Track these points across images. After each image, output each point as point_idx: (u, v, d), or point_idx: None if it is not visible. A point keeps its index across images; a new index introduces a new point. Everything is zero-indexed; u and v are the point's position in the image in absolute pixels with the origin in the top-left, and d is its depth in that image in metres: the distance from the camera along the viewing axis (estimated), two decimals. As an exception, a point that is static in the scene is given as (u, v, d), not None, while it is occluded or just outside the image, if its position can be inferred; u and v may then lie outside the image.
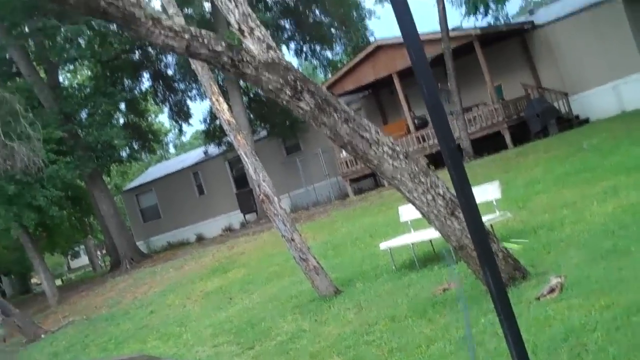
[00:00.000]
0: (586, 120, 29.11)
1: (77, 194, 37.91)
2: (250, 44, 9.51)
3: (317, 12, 42.12)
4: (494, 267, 4.77)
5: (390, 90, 33.46)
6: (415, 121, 31.75)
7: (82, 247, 69.85)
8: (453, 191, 9.28)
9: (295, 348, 10.55)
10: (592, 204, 12.57)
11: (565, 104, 29.53)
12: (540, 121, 27.75)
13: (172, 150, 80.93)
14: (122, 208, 48.61)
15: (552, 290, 8.41)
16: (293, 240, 13.21)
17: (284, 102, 8.95)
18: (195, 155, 47.78)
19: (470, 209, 4.76)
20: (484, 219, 11.81)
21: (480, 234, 4.73)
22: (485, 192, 12.38)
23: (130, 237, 37.56)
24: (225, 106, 13.79)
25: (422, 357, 7.94)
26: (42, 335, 23.24)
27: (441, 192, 9.08)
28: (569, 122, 28.73)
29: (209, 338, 13.82)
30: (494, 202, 12.25)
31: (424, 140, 30.20)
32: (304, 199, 35.93)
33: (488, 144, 28.21)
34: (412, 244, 12.74)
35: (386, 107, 35.70)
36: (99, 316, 22.70)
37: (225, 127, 13.82)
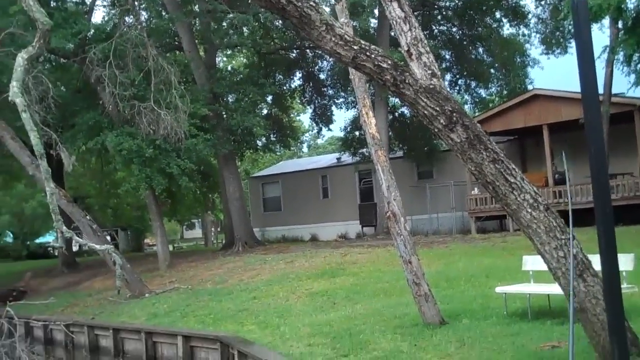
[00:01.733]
0: None
1: (207, 170, 38.83)
2: (415, 67, 9.56)
3: (480, 50, 41.83)
4: (623, 340, 4.67)
5: (536, 141, 32.87)
6: (556, 176, 31.06)
7: (199, 220, 71.62)
8: (585, 253, 9.13)
9: (390, 367, 10.55)
10: None
11: None
12: (686, 205, 26.70)
13: (305, 149, 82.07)
14: (246, 193, 49.59)
15: (665, 374, 8.12)
16: (410, 262, 13.18)
17: (436, 130, 8.96)
18: (327, 159, 48.33)
19: (612, 278, 4.70)
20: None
21: (616, 304, 4.65)
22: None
23: (248, 222, 38.24)
24: (373, 120, 13.90)
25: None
26: (146, 294, 24.02)
27: (574, 252, 8.89)
28: None
29: (305, 336, 13.96)
30: (624, 274, 11.88)
31: (560, 196, 29.51)
32: (425, 225, 35.72)
33: (626, 215, 27.27)
34: (530, 294, 12.53)
35: (528, 156, 35.09)
36: (204, 289, 23.24)
37: (369, 140, 13.92)
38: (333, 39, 8.62)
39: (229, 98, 36.89)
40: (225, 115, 34.98)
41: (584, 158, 25.03)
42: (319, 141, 79.41)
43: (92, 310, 24.00)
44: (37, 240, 60.73)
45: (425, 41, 9.97)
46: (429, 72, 9.38)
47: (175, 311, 20.50)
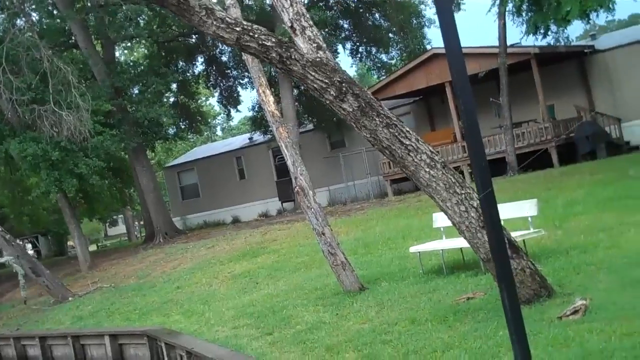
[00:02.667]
0: (637, 148, 28.81)
1: (119, 166, 38.35)
2: (300, 42, 9.64)
3: (376, 15, 41.99)
4: (511, 287, 4.84)
5: (441, 99, 33.43)
6: (463, 131, 31.63)
7: (121, 216, 70.81)
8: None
9: (313, 339, 10.67)
10: (629, 231, 12.43)
11: (617, 129, 29.27)
12: (589, 144, 27.50)
13: (219, 133, 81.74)
14: (162, 183, 49.16)
15: (575, 312, 8.39)
16: (323, 234, 13.32)
17: (328, 102, 9.09)
18: (240, 140, 48.26)
19: (494, 228, 4.85)
20: (517, 234, 11.88)
21: (501, 253, 4.80)
22: (522, 208, 12.43)
23: (166, 213, 37.96)
24: (271, 98, 13.94)
25: (436, 363, 7.99)
26: (70, 298, 23.69)
27: (475, 205, 9.12)
28: (619, 148, 28.43)
29: (230, 319, 14.02)
30: (530, 219, 12.24)
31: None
32: (342, 194, 36.08)
33: (534, 160, 28.06)
34: (442, 250, 12.79)
35: (435, 114, 35.69)
36: (127, 286, 23.06)
37: (269, 118, 14.00)
38: (215, 22, 8.63)
39: (133, 91, 36.37)
40: (130, 109, 34.52)
41: (488, 111, 25.62)
42: (232, 123, 79.20)
43: (17, 321, 23.56)
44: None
45: (308, 15, 10.04)
46: (314, 45, 9.48)
47: (100, 311, 20.29)
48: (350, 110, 8.96)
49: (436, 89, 31.87)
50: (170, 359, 14.51)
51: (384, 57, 42.98)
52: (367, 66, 43.72)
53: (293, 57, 8.82)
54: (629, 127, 29.39)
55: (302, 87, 40.49)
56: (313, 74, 8.86)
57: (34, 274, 24.42)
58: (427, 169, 9.09)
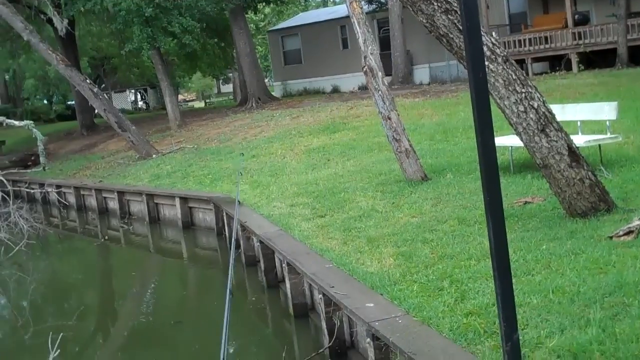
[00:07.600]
0: None
1: (219, 27, 37.78)
2: None
3: None
4: (499, 220, 4.16)
5: (557, -20, 31.47)
6: (576, 17, 29.83)
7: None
8: (549, 106, 8.60)
9: (359, 228, 10.34)
10: None
11: None
12: None
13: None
14: (266, 47, 48.55)
15: (629, 232, 7.68)
16: (389, 118, 12.71)
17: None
18: (345, 9, 46.92)
19: (486, 144, 4.15)
20: (593, 138, 11.03)
21: (493, 190, 4.09)
22: (601, 111, 11.52)
23: (261, 77, 37.46)
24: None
25: (466, 272, 7.49)
26: (153, 155, 23.95)
27: (535, 105, 8.38)
28: None
29: (290, 196, 13.84)
30: (608, 123, 11.36)
31: (579, 37, 28.41)
32: (443, 73, 34.89)
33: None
34: (511, 147, 11.96)
35: (549, -5, 33.72)
36: (208, 148, 23.09)
37: (342, -10, 13.27)
38: None
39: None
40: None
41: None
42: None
43: (103, 172, 24.06)
44: (69, 102, 60.69)
45: None
46: None
47: (177, 172, 20.45)
48: (406, -8, 8.21)
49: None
50: (230, 228, 14.55)
51: None
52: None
53: None
54: None
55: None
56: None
57: (119, 128, 24.64)
58: (487, 62, 8.31)
